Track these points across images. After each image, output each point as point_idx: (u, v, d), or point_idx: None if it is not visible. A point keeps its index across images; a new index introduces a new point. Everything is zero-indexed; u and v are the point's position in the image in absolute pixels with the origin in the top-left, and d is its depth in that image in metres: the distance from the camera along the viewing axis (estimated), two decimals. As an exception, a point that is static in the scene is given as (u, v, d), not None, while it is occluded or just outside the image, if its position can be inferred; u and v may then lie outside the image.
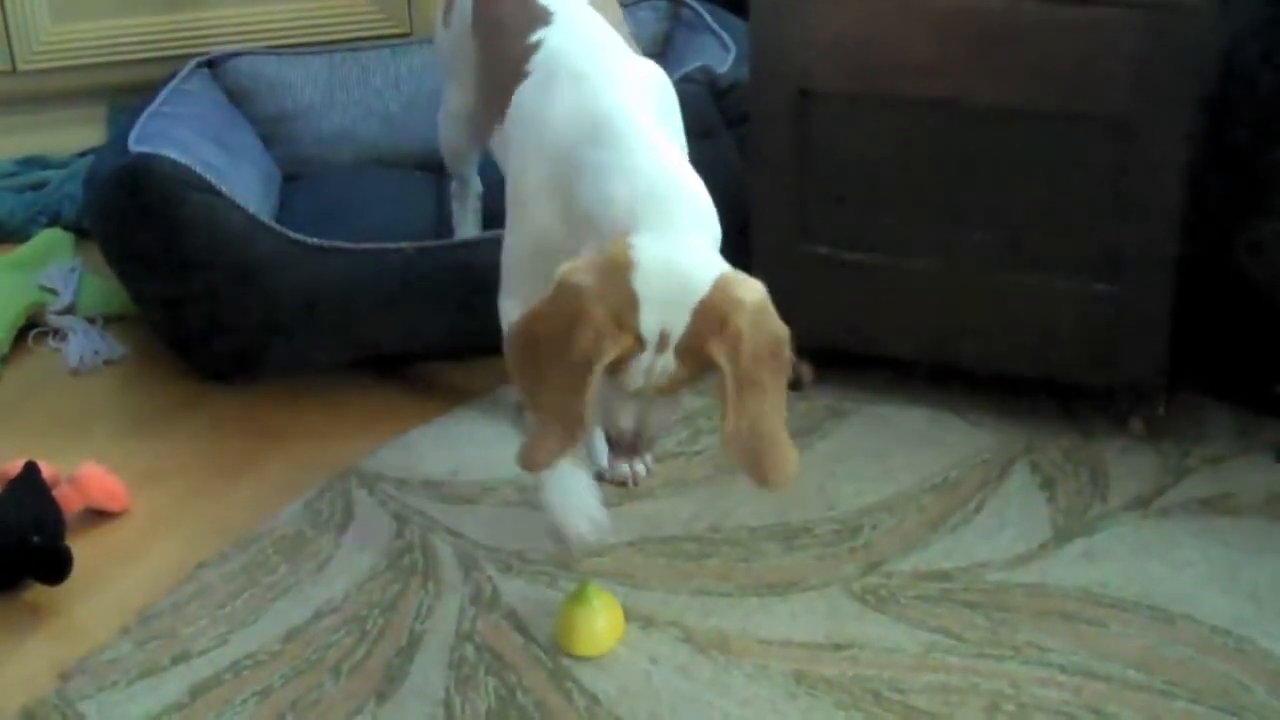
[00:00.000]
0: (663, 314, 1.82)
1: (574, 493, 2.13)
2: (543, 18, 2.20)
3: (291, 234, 2.56)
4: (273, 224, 2.60)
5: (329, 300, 2.54)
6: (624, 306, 1.82)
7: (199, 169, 2.58)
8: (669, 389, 1.89)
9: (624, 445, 1.96)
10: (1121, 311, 2.30)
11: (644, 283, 1.82)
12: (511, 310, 2.13)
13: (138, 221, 2.57)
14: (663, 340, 1.83)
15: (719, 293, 1.83)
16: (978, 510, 2.24)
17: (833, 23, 2.32)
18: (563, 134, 2.00)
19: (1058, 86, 2.23)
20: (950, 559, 2.14)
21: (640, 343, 1.83)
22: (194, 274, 2.55)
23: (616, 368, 1.85)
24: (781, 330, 1.88)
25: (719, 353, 1.82)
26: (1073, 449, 2.37)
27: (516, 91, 2.13)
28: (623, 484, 2.31)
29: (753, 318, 1.83)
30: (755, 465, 1.89)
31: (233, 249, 2.53)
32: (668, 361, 1.85)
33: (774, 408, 1.88)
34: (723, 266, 1.87)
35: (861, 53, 2.32)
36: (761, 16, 2.38)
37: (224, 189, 2.57)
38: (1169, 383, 2.35)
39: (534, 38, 2.17)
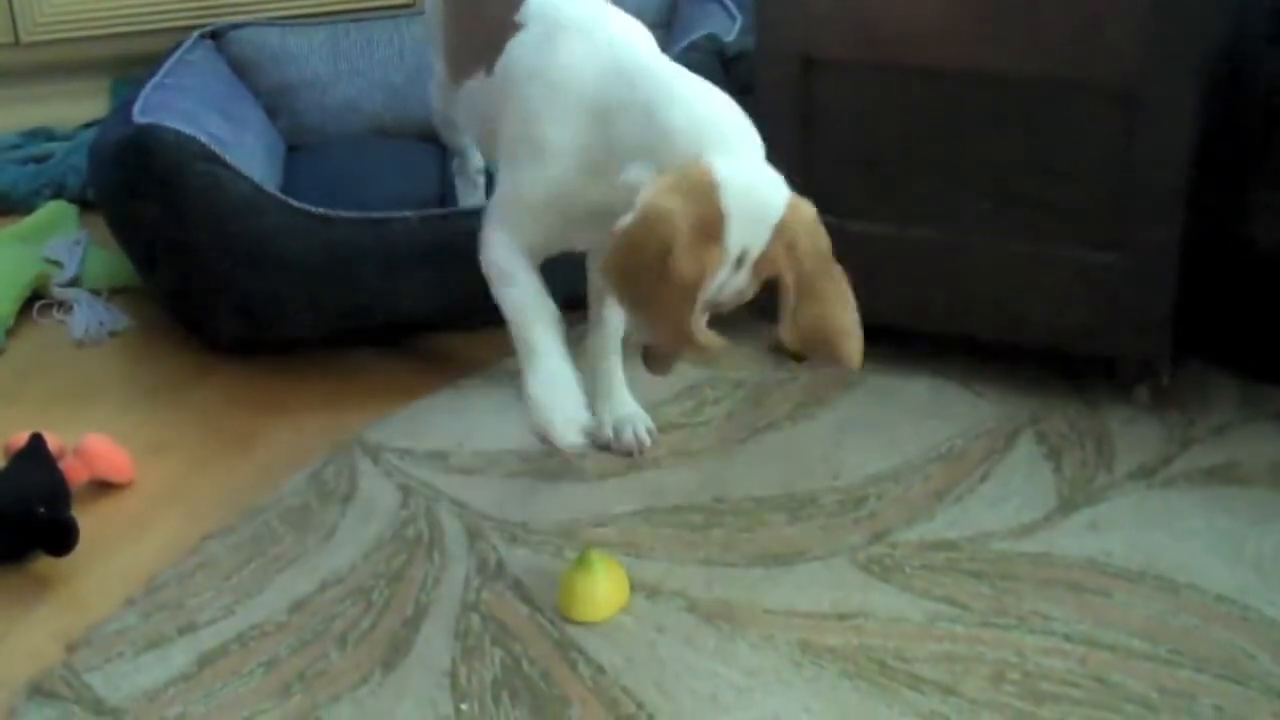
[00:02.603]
0: (746, 232, 1.87)
1: (558, 391, 2.07)
2: None
3: (296, 204, 2.56)
4: (278, 194, 2.60)
5: (334, 270, 2.54)
6: (714, 224, 1.85)
7: (203, 139, 2.58)
8: (729, 304, 1.95)
9: (664, 358, 2.01)
10: (1127, 281, 2.30)
11: (731, 201, 1.86)
12: (499, 243, 2.12)
13: (142, 193, 2.57)
14: (742, 257, 1.88)
15: (791, 214, 1.90)
16: (983, 480, 2.24)
17: (838, -9, 2.32)
18: (590, 83, 2.02)
19: (1063, 55, 2.22)
20: (955, 529, 2.14)
21: (724, 258, 1.88)
22: (199, 244, 2.55)
23: None
24: (829, 245, 1.95)
25: (787, 270, 1.90)
26: (1078, 419, 2.37)
27: (510, 44, 2.13)
28: (628, 454, 2.32)
29: (814, 236, 1.92)
30: (826, 349, 1.97)
31: (238, 219, 2.53)
32: (742, 278, 1.90)
33: (840, 305, 1.96)
34: (786, 186, 1.93)
35: (867, 21, 2.32)
36: (766, -15, 2.38)
37: (229, 159, 2.57)
38: (1174, 352, 2.35)
39: None
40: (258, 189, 2.56)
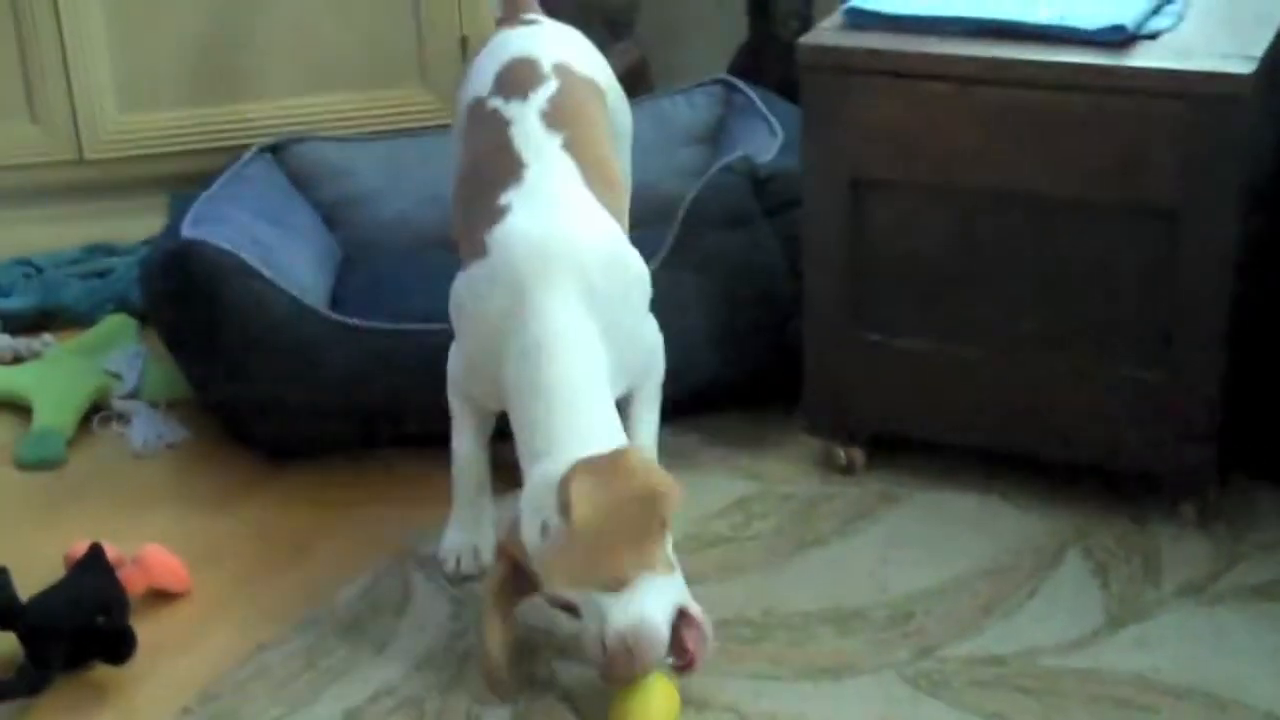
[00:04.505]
0: (536, 509, 2.02)
1: (463, 534, 2.35)
2: (515, 172, 2.26)
3: (331, 315, 2.63)
4: (316, 307, 2.67)
5: (374, 380, 2.59)
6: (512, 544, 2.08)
7: (246, 250, 2.66)
8: (589, 571, 1.97)
9: (619, 660, 1.96)
10: (1172, 398, 2.31)
11: (524, 495, 2.07)
12: (450, 386, 2.32)
13: (183, 306, 2.66)
14: (544, 528, 2.01)
15: (580, 466, 1.99)
16: (1030, 596, 2.25)
17: (884, 113, 2.36)
18: (499, 332, 2.16)
19: (1105, 177, 2.25)
20: (1003, 644, 2.15)
21: (523, 550, 2.04)
22: (240, 357, 2.62)
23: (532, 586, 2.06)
24: (647, 482, 2.01)
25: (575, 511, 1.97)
26: (1125, 535, 2.37)
27: (471, 265, 2.23)
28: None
29: (593, 485, 1.98)
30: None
31: (275, 332, 2.60)
32: (557, 536, 1.99)
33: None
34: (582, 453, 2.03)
35: (913, 143, 2.35)
36: (813, 107, 2.42)
37: (268, 272, 2.64)
38: (1221, 468, 2.36)
39: (503, 200, 2.23)
40: (296, 302, 2.63)
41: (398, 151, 3.26)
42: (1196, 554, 2.32)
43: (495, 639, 2.07)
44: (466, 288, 2.24)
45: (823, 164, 2.43)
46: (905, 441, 2.54)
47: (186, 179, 3.22)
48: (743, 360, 2.68)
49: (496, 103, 2.38)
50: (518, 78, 2.40)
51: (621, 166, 2.52)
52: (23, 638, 2.15)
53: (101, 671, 2.18)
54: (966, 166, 2.34)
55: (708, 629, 2.01)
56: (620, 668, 1.94)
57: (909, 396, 2.49)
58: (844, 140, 2.40)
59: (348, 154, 3.23)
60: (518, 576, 2.09)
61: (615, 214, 2.30)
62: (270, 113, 3.41)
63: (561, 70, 2.42)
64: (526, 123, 2.33)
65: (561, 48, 2.50)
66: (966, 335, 2.42)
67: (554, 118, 2.34)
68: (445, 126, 3.36)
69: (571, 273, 2.15)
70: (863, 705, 2.05)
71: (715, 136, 3.21)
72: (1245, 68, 2.18)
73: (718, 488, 2.53)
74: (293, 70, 3.42)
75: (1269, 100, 2.28)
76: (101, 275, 3.30)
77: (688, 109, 3.25)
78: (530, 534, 2.02)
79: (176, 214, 2.93)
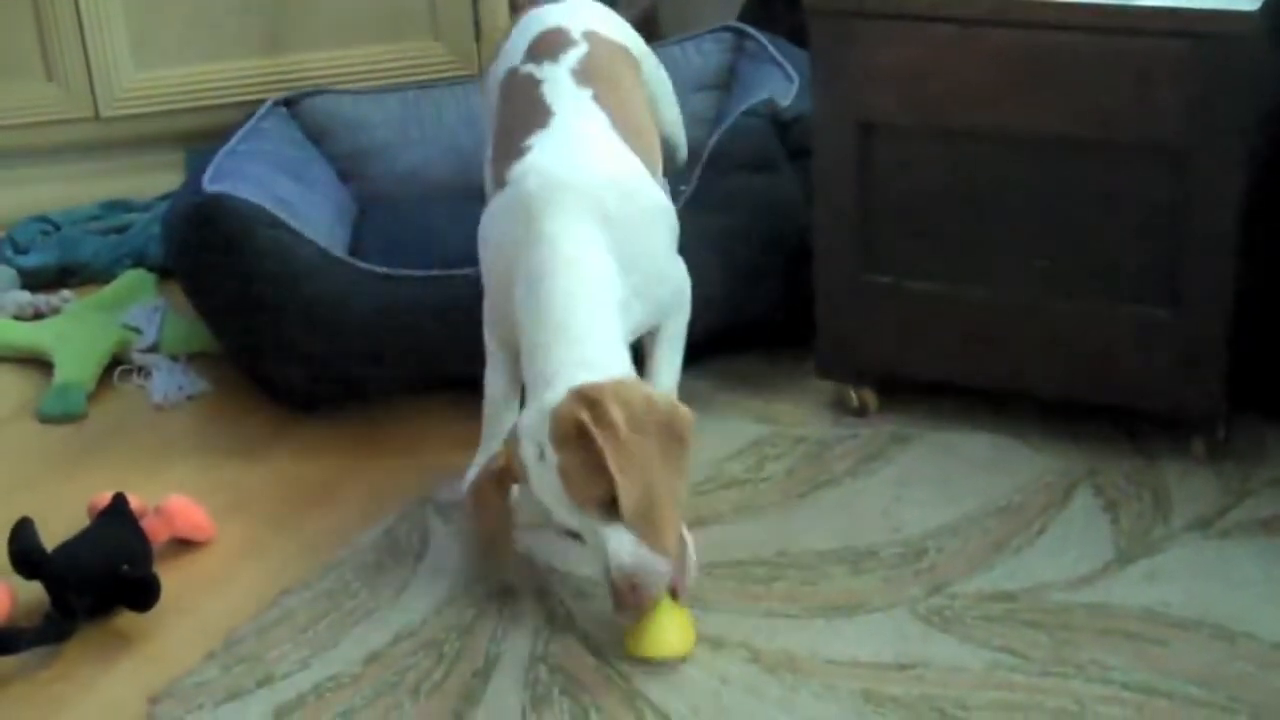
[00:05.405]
0: (532, 435, 2.03)
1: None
2: (542, 120, 2.33)
3: (360, 264, 2.65)
4: (341, 255, 2.69)
5: (399, 327, 2.61)
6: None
7: (269, 204, 2.68)
8: (585, 496, 1.99)
9: (623, 593, 1.99)
10: (1181, 337, 2.33)
11: (522, 420, 2.08)
12: (486, 329, 2.36)
13: (210, 258, 2.67)
14: (540, 451, 2.02)
15: (576, 392, 2.01)
16: (1041, 532, 2.27)
17: (892, 56, 2.37)
18: (511, 261, 2.19)
19: (1112, 117, 2.26)
20: (1014, 580, 2.18)
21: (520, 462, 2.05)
22: (266, 307, 2.63)
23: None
24: (666, 406, 2.05)
25: (591, 429, 1.97)
26: (1135, 472, 2.39)
27: (493, 197, 2.29)
28: None
29: (616, 397, 2.00)
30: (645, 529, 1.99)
31: (303, 281, 2.62)
32: (551, 462, 2.00)
33: (663, 479, 2.00)
34: (582, 380, 2.03)
35: (921, 86, 2.37)
36: (820, 52, 2.43)
37: (293, 224, 2.66)
38: (1230, 406, 2.38)
39: (528, 141, 2.30)
40: (322, 252, 2.65)
41: (411, 104, 3.28)
42: (1205, 490, 2.34)
43: (492, 511, 2.13)
44: (486, 220, 2.29)
45: (831, 108, 2.44)
46: (916, 383, 2.56)
47: (202, 135, 3.25)
48: (764, 300, 2.70)
49: (529, 68, 2.45)
50: (549, 44, 2.47)
51: (670, 122, 2.71)
52: (48, 586, 2.18)
53: (126, 619, 2.22)
54: (974, 108, 2.35)
55: (693, 557, 2.07)
56: (627, 601, 1.99)
57: (920, 338, 2.51)
58: (852, 84, 2.41)
59: (361, 107, 3.25)
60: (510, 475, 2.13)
61: (645, 161, 2.34)
62: (284, 68, 3.43)
63: (591, 36, 2.50)
64: (557, 79, 2.39)
65: (590, 17, 2.57)
66: (976, 276, 2.44)
67: (584, 75, 2.40)
68: (458, 79, 3.40)
69: (584, 200, 2.19)
70: (875, 641, 2.08)
71: (727, 83, 3.22)
72: (1251, 5, 2.18)
73: (732, 431, 2.55)
74: (306, 25, 3.44)
75: (1275, 38, 2.28)
76: (119, 231, 3.33)
77: (697, 56, 3.26)
78: (529, 458, 2.03)
79: (194, 169, 2.95)
